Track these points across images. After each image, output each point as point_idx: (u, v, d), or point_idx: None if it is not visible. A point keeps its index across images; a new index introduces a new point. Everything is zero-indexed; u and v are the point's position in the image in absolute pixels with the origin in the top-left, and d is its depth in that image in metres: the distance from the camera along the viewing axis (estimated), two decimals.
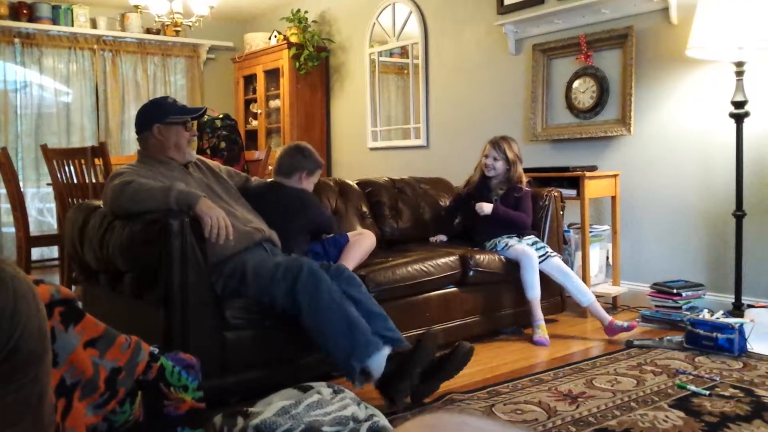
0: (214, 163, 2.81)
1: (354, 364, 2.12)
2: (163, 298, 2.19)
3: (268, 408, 1.83)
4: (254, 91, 6.54)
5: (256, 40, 6.43)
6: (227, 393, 2.24)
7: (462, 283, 3.00)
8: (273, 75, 6.22)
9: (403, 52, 5.38)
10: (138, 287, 2.30)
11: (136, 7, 5.14)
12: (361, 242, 2.79)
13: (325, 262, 2.49)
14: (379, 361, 2.13)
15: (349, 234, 2.88)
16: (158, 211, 2.18)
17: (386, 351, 2.16)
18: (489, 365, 2.68)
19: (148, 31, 6.54)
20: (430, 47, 5.06)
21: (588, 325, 3.36)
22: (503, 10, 4.43)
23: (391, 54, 5.55)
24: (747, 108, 3.08)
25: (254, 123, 6.55)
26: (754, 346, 2.75)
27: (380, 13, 5.47)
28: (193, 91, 6.85)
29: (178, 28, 5.39)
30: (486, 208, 3.22)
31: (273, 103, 6.31)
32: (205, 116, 3.70)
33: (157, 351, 1.63)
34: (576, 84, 4.04)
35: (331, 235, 2.85)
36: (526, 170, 3.90)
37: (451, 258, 2.98)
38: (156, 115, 2.52)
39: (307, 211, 2.78)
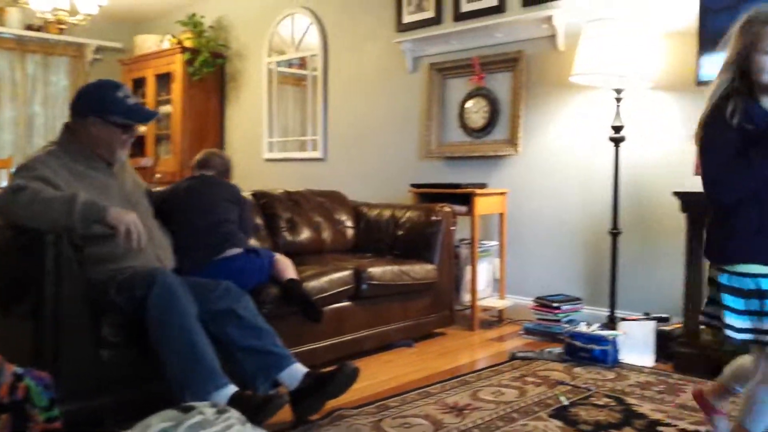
0: (137, 179, 2.59)
1: (187, 397, 1.96)
2: (33, 312, 2.03)
3: (146, 431, 1.74)
4: (143, 96, 6.27)
5: (147, 43, 6.19)
6: (102, 414, 2.10)
7: (355, 297, 3.00)
8: (164, 80, 6.00)
9: (302, 63, 5.36)
10: (5, 300, 2.12)
11: (16, 0, 4.81)
12: (285, 259, 2.76)
13: (219, 280, 2.37)
14: (220, 397, 2.00)
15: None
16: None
17: (227, 391, 2.03)
18: (379, 379, 2.69)
19: (29, 27, 6.13)
20: (329, 60, 5.06)
21: (475, 337, 3.46)
22: (402, 28, 4.51)
23: (289, 64, 5.51)
24: (624, 133, 3.29)
25: (142, 128, 6.27)
26: (626, 357, 2.94)
27: (279, 22, 5.42)
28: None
29: (63, 26, 5.08)
30: None
31: (163, 109, 6.07)
32: None
33: (21, 371, 1.52)
34: (469, 104, 4.17)
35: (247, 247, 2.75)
36: (418, 186, 4.01)
37: (345, 273, 2.97)
38: (97, 107, 2.25)
39: (244, 206, 2.85)
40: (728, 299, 1.70)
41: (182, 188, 2.77)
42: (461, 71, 4.23)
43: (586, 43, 3.28)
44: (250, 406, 1.99)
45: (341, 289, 2.92)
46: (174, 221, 2.54)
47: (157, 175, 5.63)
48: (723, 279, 1.71)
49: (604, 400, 2.44)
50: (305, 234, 3.46)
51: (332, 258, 3.32)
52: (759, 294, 1.65)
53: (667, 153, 3.33)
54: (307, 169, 5.20)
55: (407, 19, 4.49)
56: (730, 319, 1.68)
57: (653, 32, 3.22)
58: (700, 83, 3.11)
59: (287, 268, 2.66)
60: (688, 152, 3.15)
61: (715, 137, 1.69)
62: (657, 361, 2.96)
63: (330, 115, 5.07)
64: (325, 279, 2.86)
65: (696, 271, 2.84)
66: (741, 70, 1.70)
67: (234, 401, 2.01)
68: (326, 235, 3.55)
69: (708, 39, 3.07)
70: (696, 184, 3.02)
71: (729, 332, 1.69)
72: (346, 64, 4.95)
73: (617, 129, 3.30)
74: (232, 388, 2.07)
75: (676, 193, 2.91)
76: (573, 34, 3.57)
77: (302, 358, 2.43)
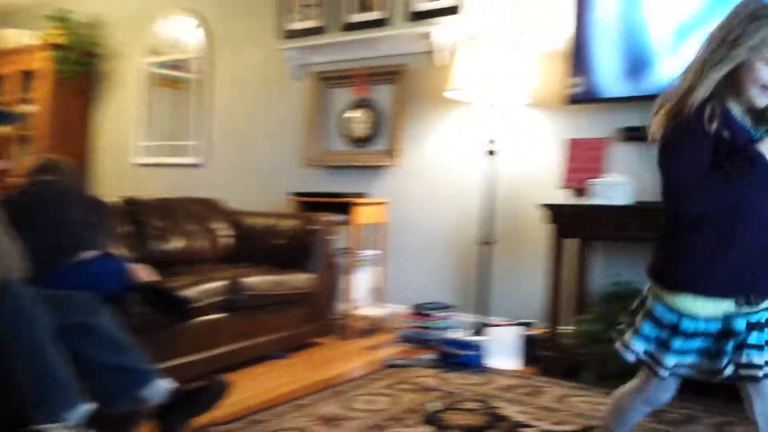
0: None
1: (39, 418, 1.83)
2: None
3: None
4: (4, 94, 5.80)
5: (11, 38, 5.74)
6: None
7: (230, 308, 2.92)
8: (29, 77, 5.58)
9: (184, 65, 5.17)
10: None
11: None
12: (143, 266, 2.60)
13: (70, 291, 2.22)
14: (76, 417, 1.88)
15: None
16: None
17: (83, 410, 1.90)
18: (251, 393, 2.61)
19: None
20: (212, 63, 4.93)
21: (351, 347, 3.47)
22: (286, 35, 4.47)
23: (170, 66, 5.30)
24: (497, 147, 3.44)
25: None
26: (495, 361, 3.05)
27: (160, 22, 5.21)
28: None
29: None
30: None
31: (26, 108, 5.64)
32: None
33: None
34: (352, 114, 4.20)
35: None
36: (298, 194, 4.00)
37: (219, 283, 2.88)
38: None
39: (101, 210, 2.71)
40: (645, 325, 1.58)
41: (31, 192, 2.58)
42: (345, 81, 4.25)
43: (462, 60, 3.40)
44: (108, 425, 1.88)
45: (215, 299, 2.83)
46: (23, 227, 2.35)
47: (14, 179, 5.22)
48: (655, 307, 1.57)
49: (472, 404, 2.52)
50: (178, 243, 3.33)
51: (206, 268, 3.21)
52: (673, 329, 1.54)
53: (538, 167, 3.50)
54: (184, 176, 5.02)
55: (292, 26, 4.46)
56: (635, 342, 1.59)
57: (527, 52, 3.37)
58: (572, 102, 3.32)
59: (146, 274, 2.54)
60: (556, 167, 3.35)
61: (686, 142, 1.49)
62: (525, 364, 3.09)
63: (211, 120, 4.93)
64: (197, 289, 2.76)
65: (558, 278, 3.02)
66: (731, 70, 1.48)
67: (92, 420, 1.89)
68: (200, 243, 3.44)
69: (580, 61, 3.27)
70: (560, 197, 3.22)
71: (622, 350, 1.60)
72: (230, 69, 4.84)
73: (491, 143, 3.44)
74: (89, 407, 1.94)
75: (543, 205, 3.07)
76: (452, 51, 3.69)
77: (172, 373, 2.33)
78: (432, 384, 2.76)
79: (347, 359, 3.24)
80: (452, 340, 3.04)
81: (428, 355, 3.12)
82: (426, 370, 2.96)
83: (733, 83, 1.49)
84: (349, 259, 3.68)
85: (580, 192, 3.11)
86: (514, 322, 3.24)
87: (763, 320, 1.52)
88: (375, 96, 4.13)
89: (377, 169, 4.08)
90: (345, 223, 3.69)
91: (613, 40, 3.19)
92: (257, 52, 4.67)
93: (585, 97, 3.27)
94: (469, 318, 3.52)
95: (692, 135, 1.48)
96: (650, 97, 3.13)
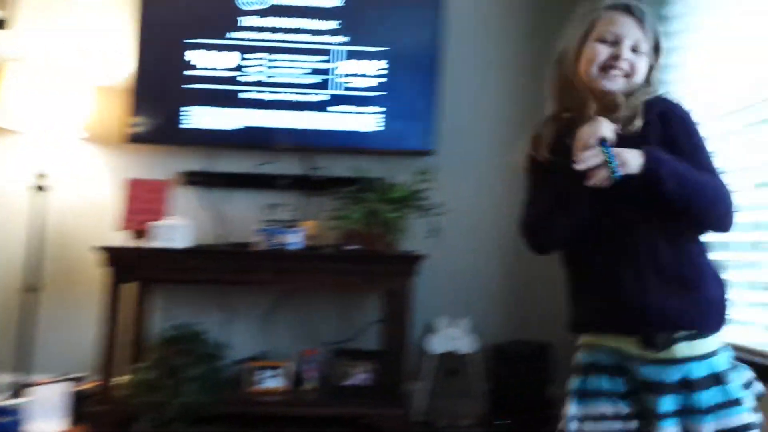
0: None
1: None
2: None
3: None
4: None
5: None
6: None
7: None
8: None
9: None
10: None
11: None
12: None
13: None
14: None
15: None
16: None
17: None
18: None
19: None
20: None
21: None
22: None
23: None
24: (48, 182, 3.12)
25: None
26: (35, 425, 2.70)
27: None
28: None
29: None
30: (632, 159, 1.19)
31: None
32: None
33: None
34: None
35: None
36: None
37: None
38: None
39: None
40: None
41: None
42: None
43: (7, 82, 3.02)
44: None
45: None
46: None
47: None
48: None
49: None
50: None
51: None
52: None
53: (95, 207, 3.29)
54: None
55: None
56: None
57: (85, 83, 3.18)
58: (133, 141, 3.22)
59: None
60: (115, 207, 3.19)
61: (529, 179, 1.41)
62: (73, 424, 2.80)
63: None
64: None
65: (113, 325, 2.85)
66: (569, 84, 1.31)
67: None
68: None
69: (141, 101, 3.21)
70: (119, 239, 3.06)
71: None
72: None
73: (41, 177, 3.10)
74: None
75: (99, 248, 2.89)
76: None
77: None
78: None
79: None
80: None
81: None
82: None
83: (583, 84, 1.31)
84: None
85: (140, 234, 3.02)
86: (62, 379, 2.93)
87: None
88: None
89: None
90: None
91: (163, 85, 3.25)
92: None
93: (146, 138, 3.23)
94: (6, 378, 3.04)
95: (531, 169, 1.36)
96: (201, 145, 3.36)
